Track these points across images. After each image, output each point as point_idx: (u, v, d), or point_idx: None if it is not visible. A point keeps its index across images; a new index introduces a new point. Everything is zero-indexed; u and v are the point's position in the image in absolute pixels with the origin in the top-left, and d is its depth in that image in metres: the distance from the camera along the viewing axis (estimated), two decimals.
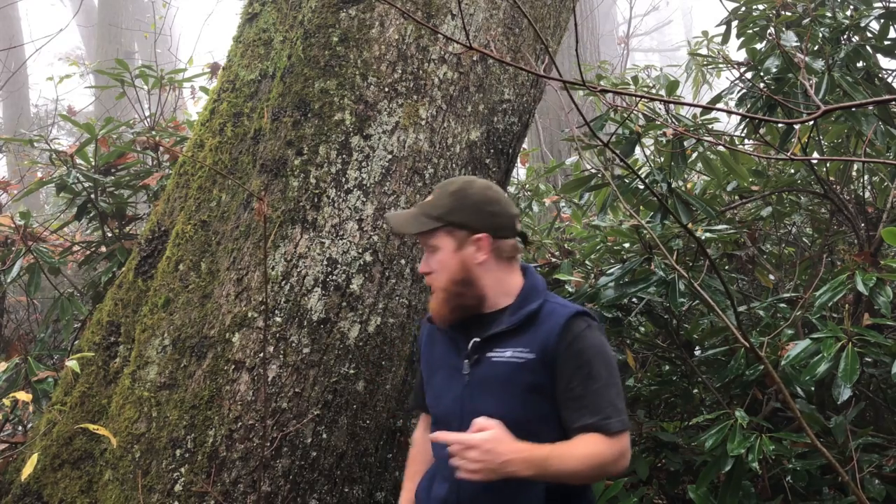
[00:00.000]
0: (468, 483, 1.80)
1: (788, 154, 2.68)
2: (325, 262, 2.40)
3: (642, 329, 3.69)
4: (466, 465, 1.66)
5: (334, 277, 2.40)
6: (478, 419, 1.72)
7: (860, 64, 3.13)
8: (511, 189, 4.25)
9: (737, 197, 3.74)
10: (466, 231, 1.86)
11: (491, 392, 1.83)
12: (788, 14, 3.34)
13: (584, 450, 1.72)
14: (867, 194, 3.58)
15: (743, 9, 3.62)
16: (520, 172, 5.11)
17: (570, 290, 3.22)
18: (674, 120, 3.37)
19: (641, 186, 3.21)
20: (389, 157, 2.49)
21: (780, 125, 3.33)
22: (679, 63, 5.21)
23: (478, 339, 1.88)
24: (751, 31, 3.53)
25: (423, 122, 2.54)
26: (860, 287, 2.53)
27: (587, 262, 3.44)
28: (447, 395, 1.93)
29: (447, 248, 1.87)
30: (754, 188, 3.69)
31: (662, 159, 3.34)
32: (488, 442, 1.66)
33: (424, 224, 1.86)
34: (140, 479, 2.29)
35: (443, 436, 1.73)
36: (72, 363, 2.36)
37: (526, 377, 1.82)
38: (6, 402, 2.40)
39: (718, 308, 2.20)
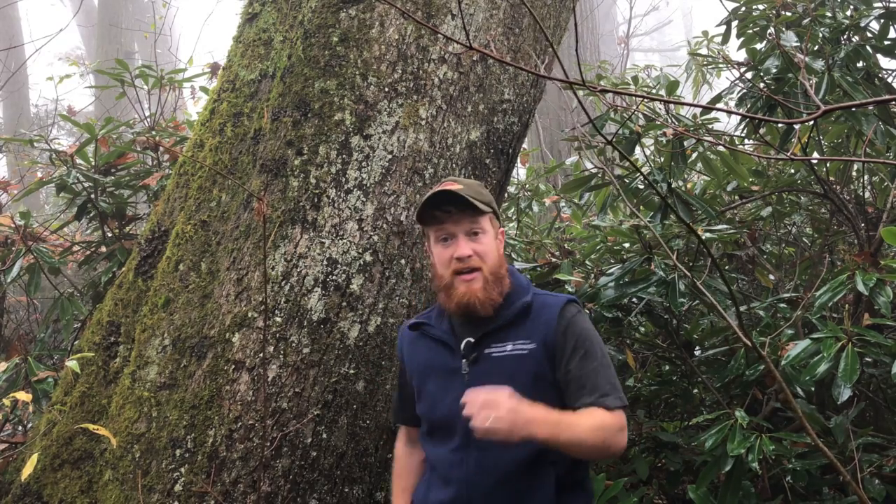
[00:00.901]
0: (479, 480, 1.83)
1: (788, 154, 2.68)
2: (325, 262, 2.40)
3: (642, 329, 3.69)
4: (495, 422, 1.62)
5: (334, 277, 2.40)
6: (486, 388, 1.69)
7: (860, 64, 3.13)
8: (511, 189, 4.26)
9: (737, 197, 3.74)
10: (499, 223, 1.99)
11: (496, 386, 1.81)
12: (788, 14, 3.34)
13: (590, 420, 1.76)
14: (867, 194, 3.58)
15: (743, 9, 3.62)
16: (520, 172, 5.11)
17: (570, 290, 3.22)
18: (674, 120, 3.37)
19: (642, 186, 3.21)
20: (389, 157, 2.49)
21: (780, 125, 3.33)
22: (679, 63, 5.21)
23: (471, 339, 1.89)
24: (751, 31, 3.53)
25: (423, 122, 2.54)
26: (860, 287, 2.53)
27: (587, 262, 3.44)
28: (446, 399, 1.91)
29: (492, 234, 1.92)
30: (754, 188, 3.69)
31: (662, 159, 3.34)
32: (513, 400, 1.66)
33: (483, 206, 1.87)
34: (140, 479, 2.28)
35: (472, 394, 1.68)
36: (72, 363, 2.36)
37: (530, 367, 1.84)
38: (6, 402, 2.40)
39: (720, 308, 2.20)
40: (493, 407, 1.64)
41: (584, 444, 1.74)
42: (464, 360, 1.90)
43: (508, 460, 1.82)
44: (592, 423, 1.76)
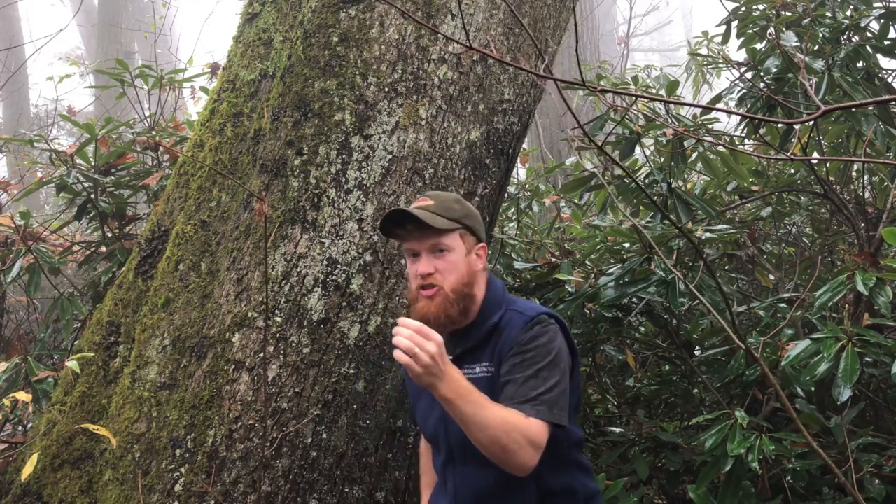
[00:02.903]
0: (463, 495, 1.86)
1: (788, 154, 2.68)
2: (325, 262, 2.40)
3: (642, 329, 3.69)
4: (421, 361, 1.60)
5: (334, 277, 2.40)
6: (419, 325, 1.65)
7: (860, 64, 3.13)
8: (511, 189, 4.25)
9: (737, 197, 3.74)
10: (475, 238, 1.91)
11: None
12: (788, 14, 3.34)
13: (501, 413, 1.67)
14: (867, 194, 3.58)
15: (743, 9, 3.62)
16: (520, 172, 5.11)
17: (570, 290, 3.22)
18: (674, 120, 3.37)
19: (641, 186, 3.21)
20: (389, 157, 2.49)
21: (780, 125, 3.33)
22: (679, 63, 5.21)
23: (450, 357, 1.81)
24: (751, 31, 3.53)
25: (423, 122, 2.54)
26: (860, 287, 2.53)
27: (587, 262, 3.44)
28: (432, 417, 1.94)
29: (460, 251, 1.87)
30: (754, 188, 3.69)
31: (662, 159, 3.34)
32: (438, 350, 1.62)
33: (447, 223, 1.85)
34: (140, 479, 2.28)
35: (403, 322, 1.65)
36: (72, 363, 2.36)
37: (496, 391, 1.80)
38: (6, 402, 2.40)
39: (716, 309, 2.20)
40: (421, 347, 1.61)
41: (485, 430, 1.65)
42: None
43: (487, 476, 1.81)
44: (503, 417, 1.66)
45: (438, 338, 1.64)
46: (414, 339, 1.62)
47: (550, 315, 1.84)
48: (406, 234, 1.88)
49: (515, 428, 1.65)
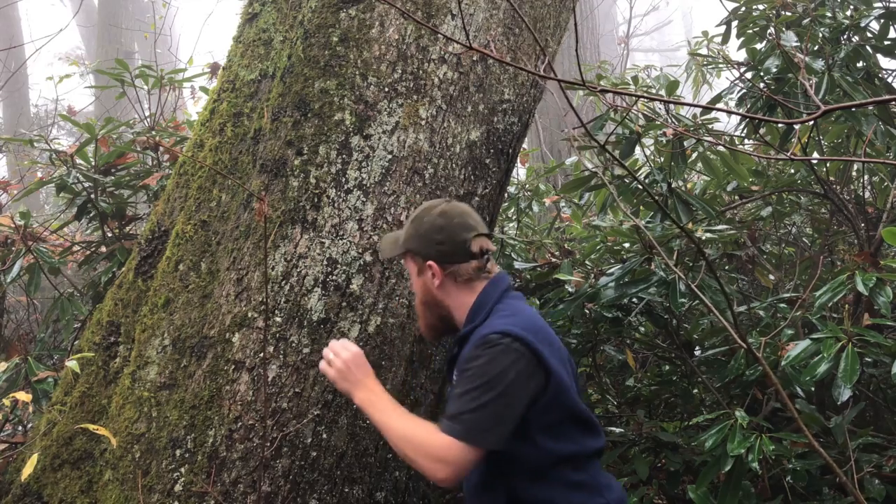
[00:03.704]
0: (465, 486, 1.92)
1: (788, 154, 2.68)
2: (325, 262, 2.40)
3: (642, 329, 3.69)
4: (335, 366, 1.90)
5: (334, 277, 2.40)
6: (344, 341, 1.95)
7: (860, 64, 3.13)
8: (511, 189, 4.25)
9: (737, 197, 3.74)
10: (421, 257, 1.96)
11: None
12: (788, 14, 3.34)
13: (410, 426, 1.79)
14: (867, 194, 3.58)
15: (743, 9, 3.62)
16: (520, 172, 5.11)
17: (570, 290, 3.22)
18: (674, 120, 3.37)
19: (641, 187, 3.21)
20: (389, 157, 2.49)
21: (780, 125, 3.33)
22: (679, 63, 5.21)
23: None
24: (751, 31, 3.53)
25: (423, 122, 2.54)
26: (860, 287, 2.53)
27: (587, 262, 3.44)
28: None
29: (413, 273, 2.01)
30: (754, 188, 3.69)
31: (662, 159, 3.34)
32: (355, 359, 1.90)
33: (394, 250, 2.01)
34: (140, 479, 2.29)
35: (334, 342, 1.97)
36: (72, 363, 2.36)
37: None
38: (6, 402, 2.40)
39: (718, 309, 2.20)
40: (337, 354, 1.90)
41: (391, 440, 1.82)
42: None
43: (469, 479, 1.87)
44: (408, 430, 1.77)
45: (356, 350, 1.90)
46: (333, 348, 1.91)
47: (515, 336, 1.77)
48: None
49: (419, 443, 1.75)
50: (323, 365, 1.92)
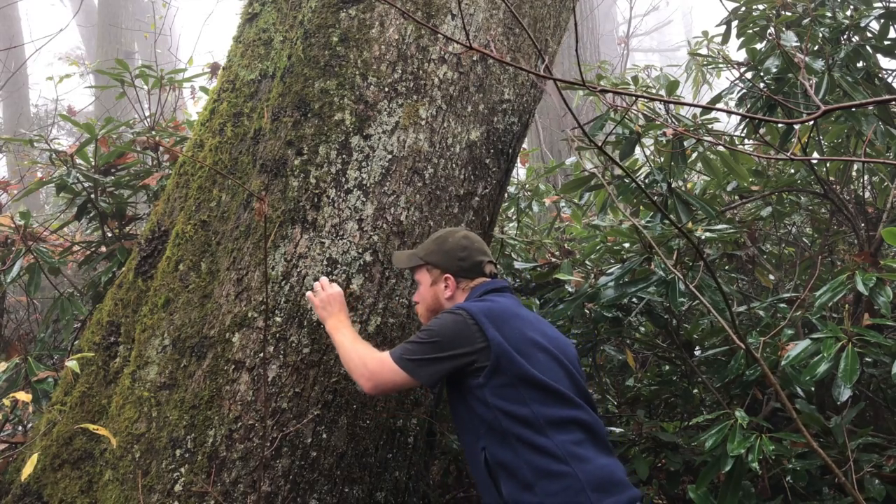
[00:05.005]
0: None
1: (788, 154, 2.68)
2: (325, 262, 2.40)
3: (642, 329, 3.69)
4: (319, 296, 2.28)
5: (334, 277, 2.40)
6: (324, 280, 2.33)
7: (860, 64, 3.13)
8: (511, 189, 4.25)
9: (737, 197, 3.74)
10: (439, 270, 2.28)
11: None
12: (788, 14, 3.34)
13: (360, 346, 2.17)
14: (867, 194, 3.58)
15: (743, 9, 3.62)
16: (520, 172, 5.11)
17: (570, 290, 3.22)
18: (674, 120, 3.37)
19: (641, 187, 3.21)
20: (389, 157, 2.48)
21: (780, 125, 3.33)
22: (679, 63, 5.21)
23: None
24: (751, 31, 3.53)
25: (423, 122, 2.54)
26: (860, 287, 2.53)
27: (587, 262, 3.44)
28: None
29: (425, 283, 2.30)
30: (754, 188, 3.69)
31: (662, 159, 3.34)
32: (335, 294, 2.28)
33: (412, 261, 2.31)
34: (140, 479, 2.28)
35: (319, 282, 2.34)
36: (72, 363, 2.36)
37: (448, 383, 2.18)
38: (6, 402, 2.40)
39: (717, 308, 2.20)
40: (323, 288, 2.29)
41: (341, 353, 2.19)
42: None
43: (462, 442, 2.17)
44: (357, 349, 2.15)
45: (338, 289, 2.29)
46: (322, 283, 2.31)
47: (467, 310, 2.11)
48: None
49: (359, 356, 2.13)
50: (309, 294, 2.32)
